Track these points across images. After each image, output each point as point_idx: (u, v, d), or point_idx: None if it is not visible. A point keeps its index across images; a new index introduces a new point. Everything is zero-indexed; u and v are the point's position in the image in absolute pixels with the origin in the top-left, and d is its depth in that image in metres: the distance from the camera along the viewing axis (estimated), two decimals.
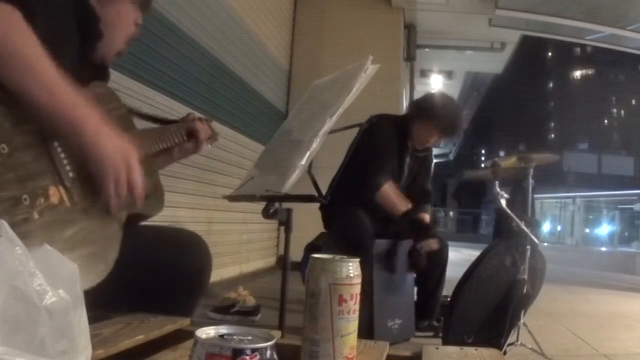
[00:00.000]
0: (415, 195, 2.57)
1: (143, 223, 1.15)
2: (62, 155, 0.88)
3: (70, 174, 0.89)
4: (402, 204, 2.40)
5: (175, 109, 3.05)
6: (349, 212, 2.41)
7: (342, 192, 2.39)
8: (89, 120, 0.86)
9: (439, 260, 2.57)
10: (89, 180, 0.93)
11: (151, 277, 1.10)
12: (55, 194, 0.85)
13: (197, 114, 1.36)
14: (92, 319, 0.74)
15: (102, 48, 1.08)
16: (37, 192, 0.81)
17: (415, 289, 2.64)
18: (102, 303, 0.89)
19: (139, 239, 1.06)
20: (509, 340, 2.20)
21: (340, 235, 2.45)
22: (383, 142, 2.43)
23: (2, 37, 0.78)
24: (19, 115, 0.82)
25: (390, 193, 2.38)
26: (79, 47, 1.00)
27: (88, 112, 0.87)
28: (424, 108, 2.55)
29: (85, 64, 1.02)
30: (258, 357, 0.53)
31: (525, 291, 2.18)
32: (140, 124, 1.22)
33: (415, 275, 2.61)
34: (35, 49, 0.81)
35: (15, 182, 0.78)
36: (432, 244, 2.39)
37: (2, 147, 0.78)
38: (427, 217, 2.54)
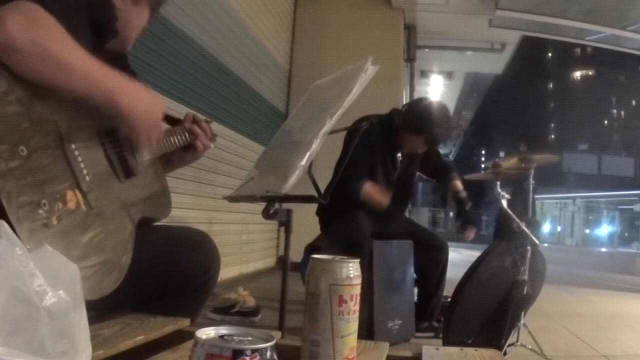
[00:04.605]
0: (439, 171, 2.77)
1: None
2: (80, 159, 0.88)
3: (87, 178, 0.88)
4: (384, 199, 2.46)
5: (175, 110, 3.05)
6: (347, 212, 2.41)
7: (341, 192, 2.40)
8: (122, 91, 0.92)
9: (439, 261, 2.57)
10: (105, 184, 0.93)
11: (160, 275, 1.11)
12: (73, 198, 0.84)
13: (197, 115, 1.36)
14: (92, 320, 0.74)
15: (115, 45, 1.09)
16: (55, 197, 0.80)
17: (416, 290, 2.64)
18: (110, 301, 0.90)
19: (149, 238, 1.06)
20: (509, 341, 2.20)
21: (340, 236, 2.45)
22: (362, 148, 2.39)
23: (31, 36, 0.78)
24: (38, 115, 0.81)
25: (371, 192, 2.45)
26: (93, 43, 1.00)
27: (120, 84, 0.92)
28: (411, 121, 2.52)
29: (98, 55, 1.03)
30: (258, 357, 0.53)
31: (525, 292, 2.18)
32: None
33: (415, 276, 2.61)
34: (63, 38, 0.82)
35: (34, 186, 0.77)
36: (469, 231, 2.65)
37: (21, 149, 0.76)
38: (459, 185, 2.69)
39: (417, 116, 2.53)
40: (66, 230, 0.81)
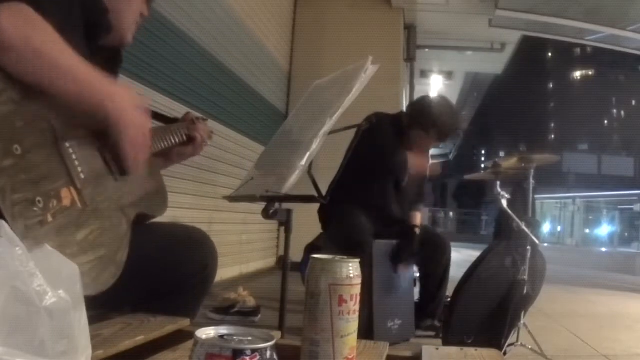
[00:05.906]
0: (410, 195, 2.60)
1: (150, 221, 1.16)
2: (74, 157, 0.88)
3: (82, 175, 0.89)
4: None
5: (175, 109, 3.05)
6: (348, 212, 2.41)
7: (342, 192, 2.39)
8: (112, 98, 0.91)
9: (441, 260, 2.56)
10: (100, 182, 0.94)
11: (158, 273, 1.11)
12: (68, 195, 0.84)
13: (195, 113, 1.37)
14: (92, 320, 0.74)
15: (113, 38, 1.10)
16: (50, 194, 0.81)
17: (418, 288, 2.64)
18: (110, 299, 0.90)
19: (146, 236, 1.06)
20: (509, 341, 2.20)
21: (340, 236, 2.45)
22: (372, 145, 2.38)
23: (24, 35, 0.79)
24: (32, 114, 0.82)
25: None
26: (87, 39, 1.01)
27: (110, 90, 0.91)
28: (419, 118, 2.53)
29: (94, 53, 1.03)
30: (258, 357, 0.53)
31: (525, 292, 2.18)
32: None
33: (417, 275, 2.61)
34: (56, 40, 0.83)
35: (28, 183, 0.77)
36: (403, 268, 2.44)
37: (15, 148, 0.76)
38: (418, 218, 2.54)
39: (424, 113, 2.53)
40: (61, 228, 0.81)
